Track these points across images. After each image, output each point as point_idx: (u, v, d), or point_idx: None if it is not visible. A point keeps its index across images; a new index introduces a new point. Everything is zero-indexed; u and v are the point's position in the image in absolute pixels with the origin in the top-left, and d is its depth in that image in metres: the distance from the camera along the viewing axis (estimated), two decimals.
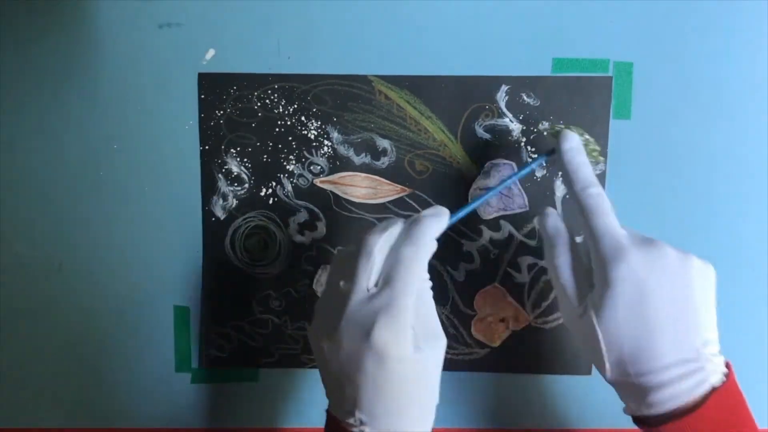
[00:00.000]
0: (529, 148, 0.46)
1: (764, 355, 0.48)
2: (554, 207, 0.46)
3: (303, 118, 0.45)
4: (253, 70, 0.45)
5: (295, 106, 0.45)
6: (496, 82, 0.45)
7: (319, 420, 0.48)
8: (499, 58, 0.45)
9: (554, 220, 0.40)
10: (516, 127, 0.45)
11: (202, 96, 0.45)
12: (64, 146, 0.46)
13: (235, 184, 0.46)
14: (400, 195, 0.46)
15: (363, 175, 0.46)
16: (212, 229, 0.47)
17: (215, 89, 0.45)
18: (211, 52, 0.45)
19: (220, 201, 0.46)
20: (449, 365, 0.48)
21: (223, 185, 0.46)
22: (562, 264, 0.39)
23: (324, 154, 0.46)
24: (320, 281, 0.47)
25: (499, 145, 0.45)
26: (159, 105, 0.46)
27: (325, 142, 0.46)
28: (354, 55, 0.45)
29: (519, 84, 0.45)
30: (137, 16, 0.45)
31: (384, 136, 0.46)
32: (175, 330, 0.48)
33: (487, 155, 0.46)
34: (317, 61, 0.45)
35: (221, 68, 0.45)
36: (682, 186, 0.46)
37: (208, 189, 0.46)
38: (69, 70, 0.45)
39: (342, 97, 0.45)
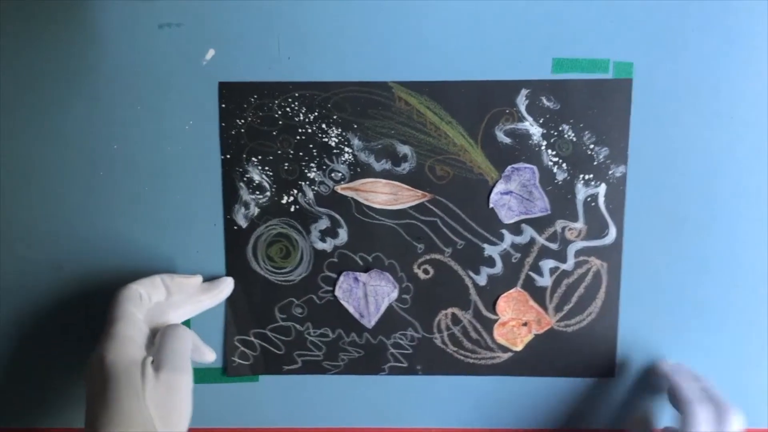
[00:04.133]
0: (549, 151, 0.46)
1: (764, 355, 0.48)
2: (574, 210, 0.46)
3: (323, 126, 0.46)
4: (252, 69, 0.45)
5: (316, 113, 0.45)
6: (515, 86, 0.45)
7: (319, 420, 0.49)
8: (498, 57, 0.45)
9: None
10: (536, 131, 0.45)
11: (223, 105, 0.45)
12: (63, 146, 0.46)
13: (257, 193, 0.46)
14: (421, 200, 0.46)
15: (384, 181, 0.46)
16: (234, 238, 0.47)
17: (236, 98, 0.45)
18: (211, 52, 0.45)
19: (242, 209, 0.47)
20: (472, 369, 0.48)
21: (244, 194, 0.46)
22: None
23: (345, 161, 0.46)
24: (342, 287, 0.47)
25: (519, 149, 0.46)
26: (159, 105, 0.46)
27: (346, 149, 0.46)
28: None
29: (539, 88, 0.45)
30: (137, 16, 0.45)
31: (404, 142, 0.46)
32: None
33: (508, 159, 0.46)
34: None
35: (221, 68, 0.45)
36: (682, 185, 0.46)
37: (230, 197, 0.47)
38: (68, 70, 0.45)
39: (362, 104, 0.45)
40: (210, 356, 0.45)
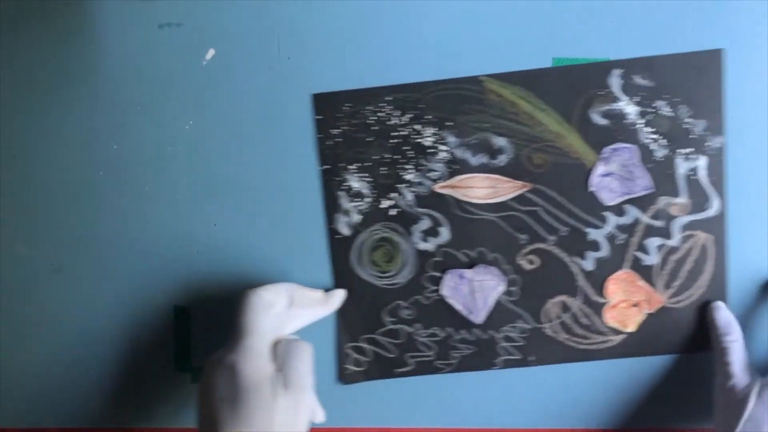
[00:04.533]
0: (647, 129, 0.45)
1: None
2: (675, 186, 0.46)
3: (418, 127, 0.46)
4: (252, 68, 0.45)
5: (410, 115, 0.46)
6: (607, 66, 0.45)
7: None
8: (497, 57, 0.45)
9: (725, 313, 0.45)
10: (632, 110, 0.45)
11: (319, 117, 0.46)
12: (63, 146, 0.46)
13: (357, 200, 0.47)
14: (521, 191, 0.46)
15: (482, 175, 0.46)
16: (338, 247, 0.47)
17: (330, 108, 0.46)
18: (211, 52, 0.45)
19: (343, 218, 0.47)
20: (585, 355, 0.47)
21: (345, 202, 0.47)
22: (735, 358, 0.44)
23: (441, 160, 0.46)
24: (448, 285, 0.47)
25: (615, 130, 0.45)
26: (159, 105, 0.46)
27: (442, 147, 0.46)
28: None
29: (630, 66, 0.45)
30: (137, 16, 0.45)
31: (499, 134, 0.46)
32: (175, 329, 0.48)
33: (605, 141, 0.46)
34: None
35: (221, 67, 0.45)
36: None
37: (331, 207, 0.47)
38: (68, 70, 0.46)
39: (454, 101, 0.45)
40: (320, 417, 0.45)
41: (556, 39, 0.45)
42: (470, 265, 0.47)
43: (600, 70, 0.45)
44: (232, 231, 0.47)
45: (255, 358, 0.40)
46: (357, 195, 0.47)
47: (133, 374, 0.49)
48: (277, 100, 0.46)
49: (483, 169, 0.46)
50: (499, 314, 0.47)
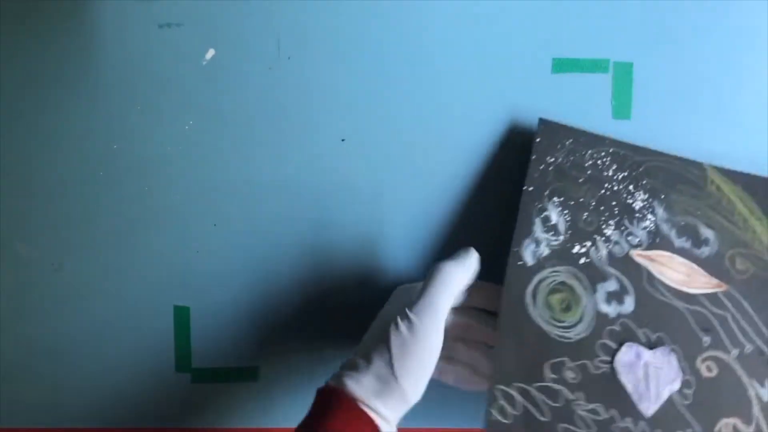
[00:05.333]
0: None
1: None
2: None
3: (631, 187, 0.44)
4: (253, 69, 0.45)
5: (626, 173, 0.45)
6: None
7: None
8: (497, 57, 0.46)
9: None
10: None
11: (538, 140, 0.44)
12: (63, 146, 0.45)
13: (551, 233, 0.43)
14: (715, 290, 0.43)
15: (681, 259, 0.44)
16: (517, 273, 0.42)
17: (552, 136, 0.44)
18: (211, 52, 0.45)
19: (532, 246, 0.43)
20: None
21: (538, 230, 0.43)
22: None
23: (645, 228, 0.44)
24: (623, 360, 0.41)
25: None
26: (159, 105, 0.45)
27: (649, 216, 0.44)
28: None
29: None
30: (137, 16, 0.45)
31: (708, 226, 0.44)
32: (175, 329, 0.46)
33: None
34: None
35: (221, 67, 0.45)
36: None
37: (523, 231, 0.43)
38: (68, 70, 0.45)
39: (673, 177, 0.45)
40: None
41: (556, 39, 0.46)
42: (649, 347, 0.42)
43: None
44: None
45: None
46: (552, 229, 0.43)
47: (133, 374, 0.47)
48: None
49: (683, 253, 0.44)
50: (670, 415, 0.41)
